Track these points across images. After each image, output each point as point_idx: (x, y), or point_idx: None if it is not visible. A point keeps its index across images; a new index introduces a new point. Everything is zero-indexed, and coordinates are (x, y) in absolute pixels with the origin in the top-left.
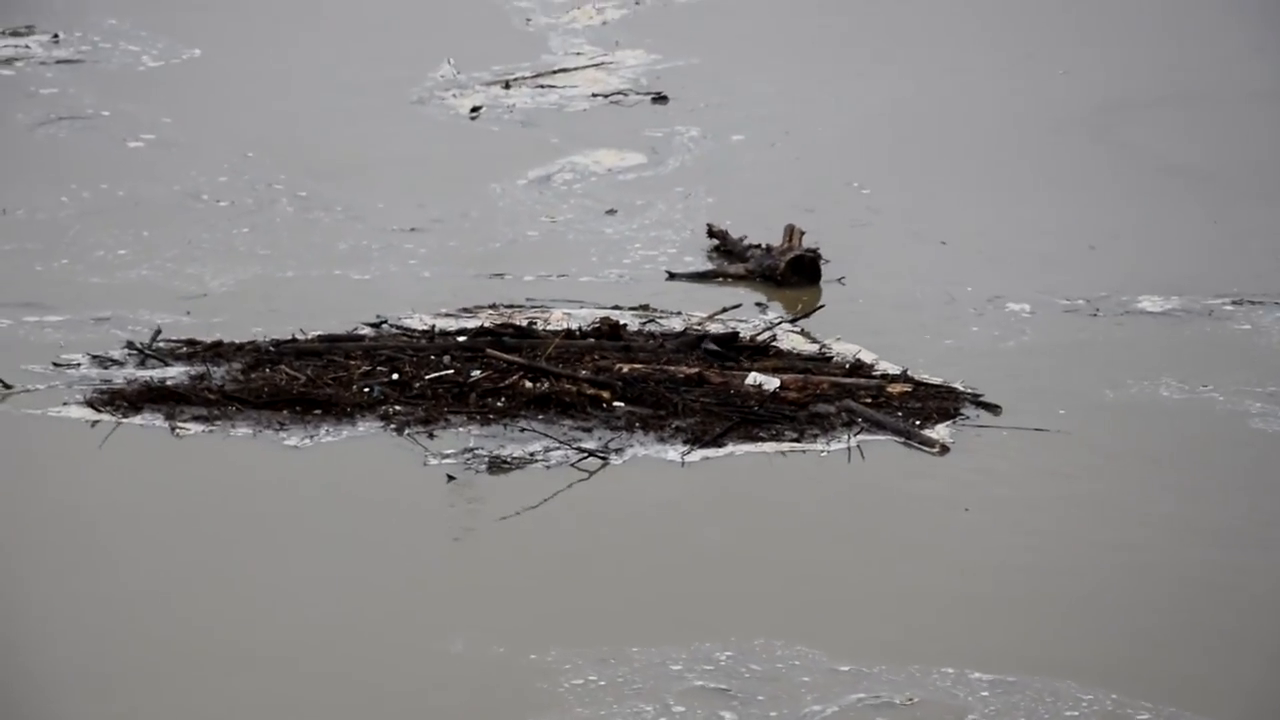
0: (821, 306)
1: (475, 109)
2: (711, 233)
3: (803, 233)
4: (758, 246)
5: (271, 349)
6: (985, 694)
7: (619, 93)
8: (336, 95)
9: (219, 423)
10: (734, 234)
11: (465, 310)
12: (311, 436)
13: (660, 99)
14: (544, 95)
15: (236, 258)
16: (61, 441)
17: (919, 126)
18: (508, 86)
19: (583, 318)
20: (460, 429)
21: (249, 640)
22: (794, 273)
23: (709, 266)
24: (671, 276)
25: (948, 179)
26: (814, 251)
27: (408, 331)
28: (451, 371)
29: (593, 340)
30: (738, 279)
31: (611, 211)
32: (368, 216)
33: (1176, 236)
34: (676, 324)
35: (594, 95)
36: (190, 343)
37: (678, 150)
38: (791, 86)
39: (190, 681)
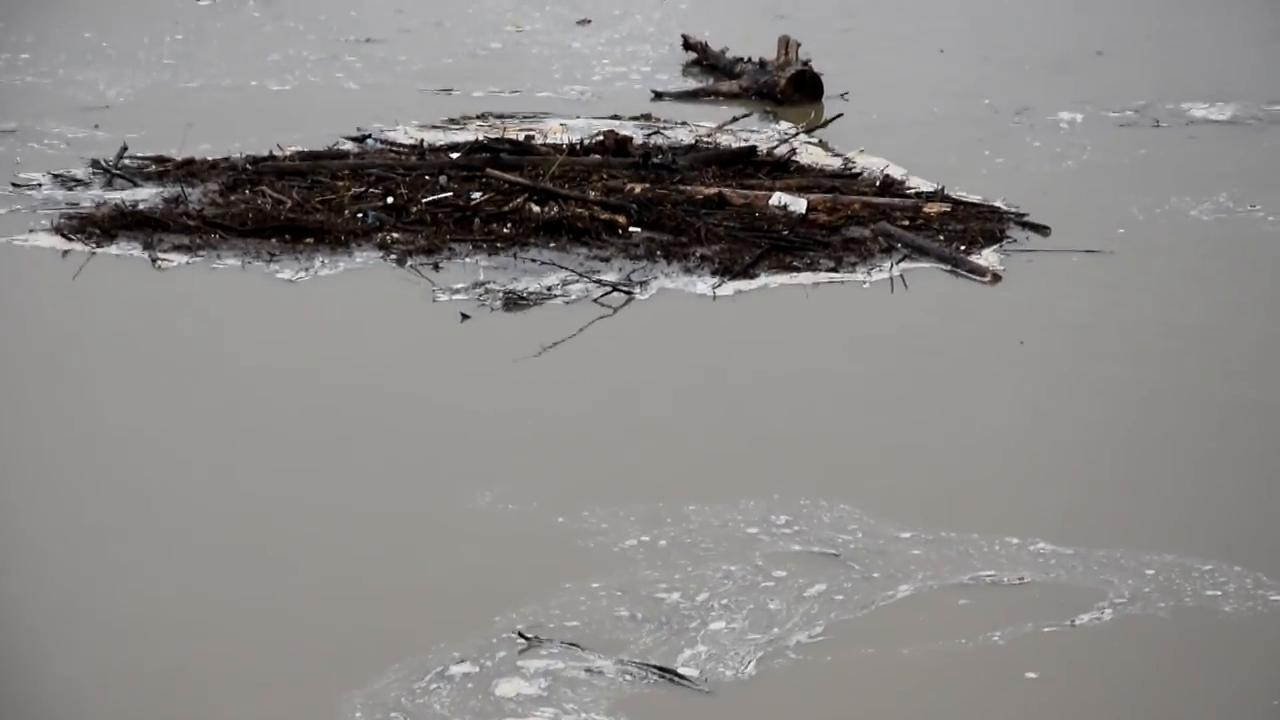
0: (839, 116)
1: None
2: (688, 44)
3: (798, 44)
4: (746, 61)
5: (249, 167)
6: (1100, 571)
7: None
8: None
9: (202, 253)
10: (713, 46)
11: (453, 121)
12: (306, 269)
13: None
14: None
15: (134, 64)
16: (31, 274)
17: None
18: None
19: (581, 129)
20: (466, 259)
21: (250, 493)
22: (795, 89)
23: (692, 84)
24: (658, 96)
25: None
26: (805, 63)
27: (394, 147)
28: (450, 194)
29: (598, 157)
30: (731, 97)
31: (584, 22)
32: (332, 25)
33: (1186, 41)
34: (682, 135)
35: None
36: (159, 160)
37: None
38: None
39: (182, 536)
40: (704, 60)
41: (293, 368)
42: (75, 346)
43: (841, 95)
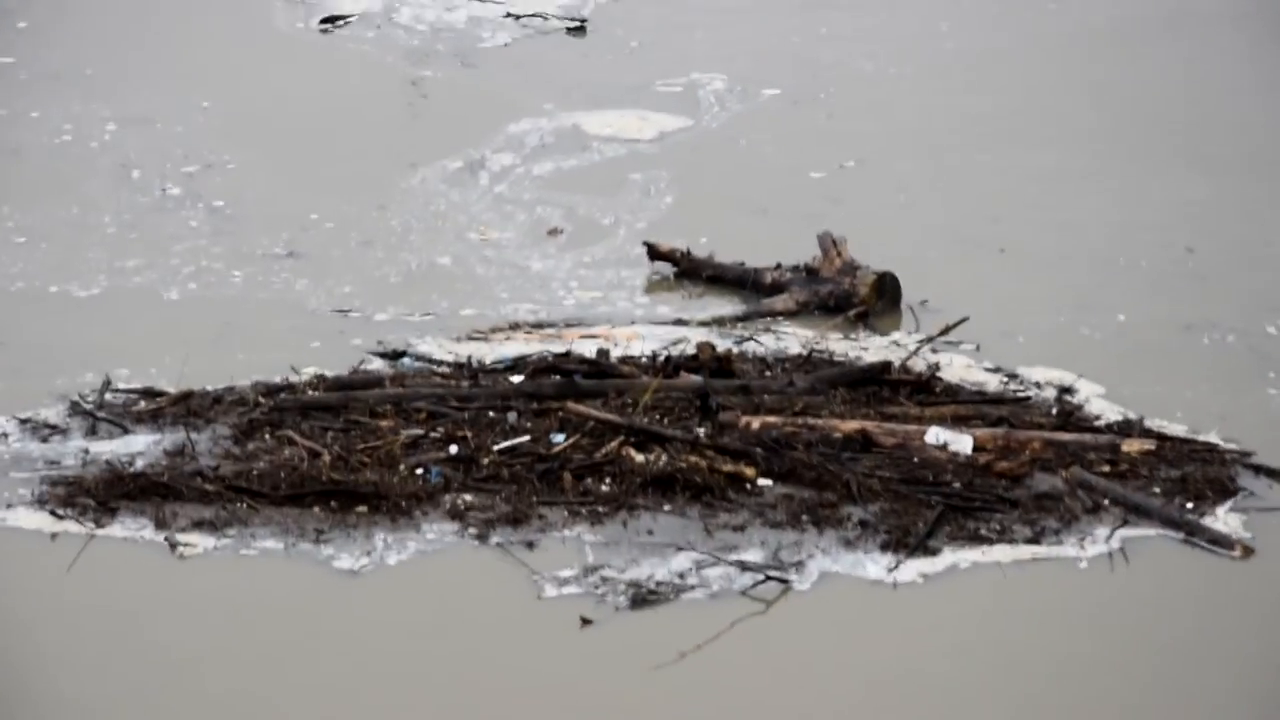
0: (964, 320)
1: (332, 20)
2: (657, 254)
3: (845, 241)
4: (776, 268)
5: (261, 400)
6: None
7: (537, 15)
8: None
9: (231, 531)
10: (700, 251)
11: (495, 330)
12: (368, 553)
13: (579, 29)
14: (452, 12)
15: None
16: (13, 567)
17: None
18: None
19: (651, 334)
20: (565, 532)
21: None
22: (878, 296)
23: (717, 308)
24: (697, 324)
25: (916, 156)
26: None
27: (436, 367)
28: (526, 438)
29: (696, 378)
30: (790, 315)
31: (555, 232)
32: (266, 236)
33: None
34: (769, 341)
35: (509, 15)
36: (148, 394)
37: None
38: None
39: None
40: (701, 272)
41: (376, 704)
42: (71, 673)
43: (921, 302)
